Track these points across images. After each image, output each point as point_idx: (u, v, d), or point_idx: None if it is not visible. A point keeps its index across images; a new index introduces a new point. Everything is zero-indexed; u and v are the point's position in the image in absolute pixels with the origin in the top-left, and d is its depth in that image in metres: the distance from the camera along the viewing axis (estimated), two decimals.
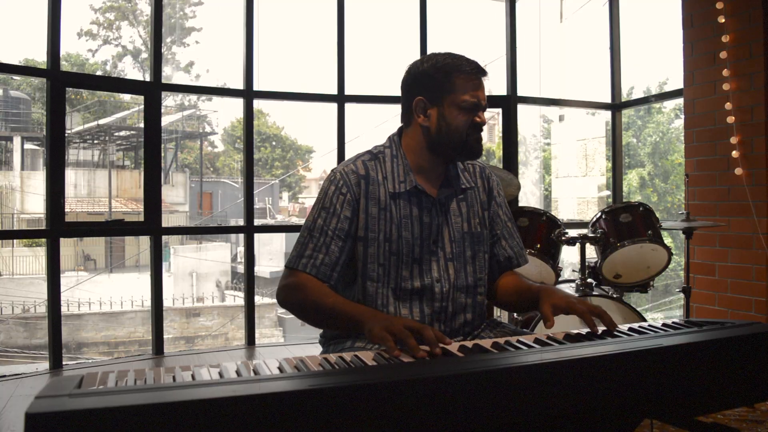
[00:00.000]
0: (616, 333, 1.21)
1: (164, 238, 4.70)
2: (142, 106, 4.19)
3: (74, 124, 16.93)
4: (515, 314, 2.93)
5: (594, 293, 2.76)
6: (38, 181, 15.14)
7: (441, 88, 1.42)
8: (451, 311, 1.48)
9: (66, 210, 3.70)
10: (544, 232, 2.93)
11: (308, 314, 1.40)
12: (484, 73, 1.45)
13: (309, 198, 23.87)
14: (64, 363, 3.69)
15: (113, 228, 4.33)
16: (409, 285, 1.45)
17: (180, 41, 21.18)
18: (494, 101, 4.62)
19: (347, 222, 1.43)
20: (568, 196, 9.93)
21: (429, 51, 4.57)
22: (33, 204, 15.30)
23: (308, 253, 1.42)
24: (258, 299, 11.41)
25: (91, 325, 12.49)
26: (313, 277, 1.40)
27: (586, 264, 2.81)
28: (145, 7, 20.36)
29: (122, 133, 17.67)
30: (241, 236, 4.65)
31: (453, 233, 1.49)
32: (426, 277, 1.45)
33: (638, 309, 2.69)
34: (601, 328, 1.24)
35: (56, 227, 3.64)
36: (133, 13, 20.73)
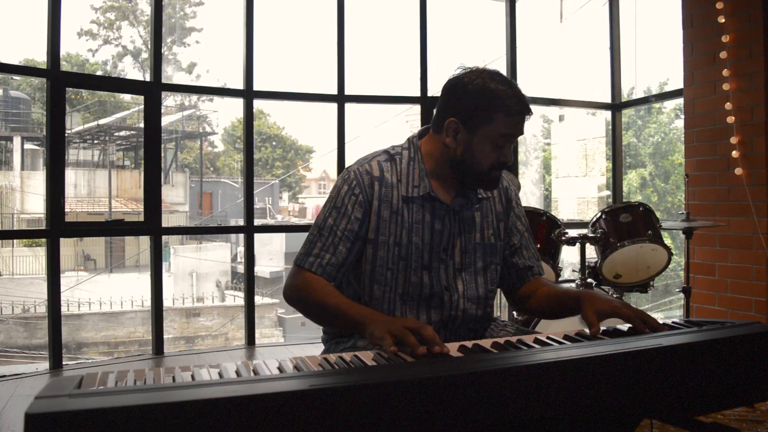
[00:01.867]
0: (617, 332, 1.21)
1: (164, 238, 4.70)
2: (142, 106, 4.19)
3: (74, 124, 16.93)
4: (515, 314, 2.93)
5: None
6: (38, 181, 15.15)
7: (480, 118, 1.36)
8: (459, 321, 1.47)
9: (66, 210, 3.70)
10: (544, 232, 2.94)
11: (312, 313, 1.40)
12: (529, 112, 1.38)
13: (309, 198, 23.90)
14: (64, 363, 3.69)
15: (113, 228, 4.33)
16: (418, 291, 1.44)
17: (180, 41, 21.20)
18: None
19: (357, 223, 1.41)
20: (568, 196, 9.94)
21: (429, 51, 4.57)
22: (33, 204, 15.30)
23: (316, 252, 1.41)
24: (258, 299, 11.42)
25: (91, 325, 12.50)
26: (319, 276, 1.40)
27: (586, 264, 2.81)
28: (145, 7, 20.39)
29: (122, 133, 17.69)
30: (241, 236, 4.65)
31: (465, 243, 1.47)
32: (435, 286, 1.44)
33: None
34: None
35: (56, 227, 3.64)
36: (134, 13, 20.74)
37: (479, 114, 1.36)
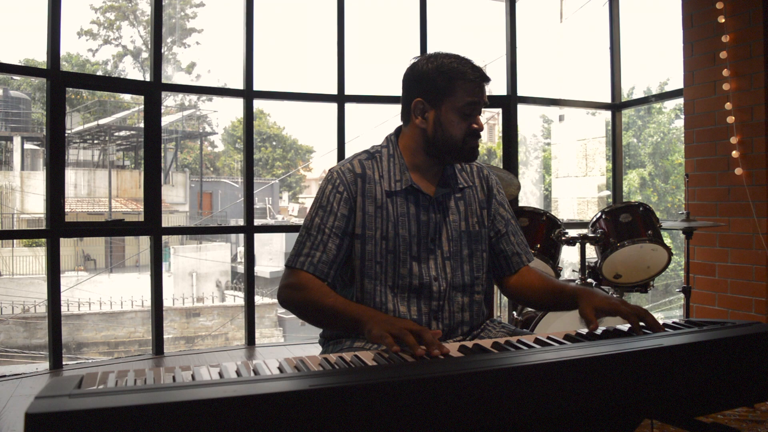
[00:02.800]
0: (617, 332, 1.21)
1: (164, 238, 4.70)
2: (142, 106, 4.19)
3: (74, 124, 16.93)
4: (515, 314, 2.93)
5: None
6: (38, 181, 15.15)
7: (442, 91, 1.41)
8: (448, 310, 1.49)
9: (66, 210, 3.70)
10: (544, 232, 2.94)
11: (308, 314, 1.40)
12: (487, 79, 1.44)
13: (309, 198, 23.88)
14: (64, 363, 3.69)
15: (113, 228, 4.33)
16: (407, 283, 1.45)
17: (181, 41, 21.20)
18: (494, 101, 4.62)
19: (344, 220, 1.44)
20: (568, 196, 9.94)
21: (429, 51, 4.58)
22: (33, 204, 15.30)
23: (306, 251, 1.43)
24: (258, 299, 11.40)
25: (91, 325, 12.49)
26: (312, 275, 1.41)
27: (586, 264, 2.81)
28: (145, 7, 20.40)
29: (122, 133, 17.68)
30: (241, 236, 4.65)
31: (450, 232, 1.49)
32: (424, 276, 1.46)
33: None
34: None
35: (56, 227, 3.64)
36: (134, 13, 20.74)
37: (440, 87, 1.42)
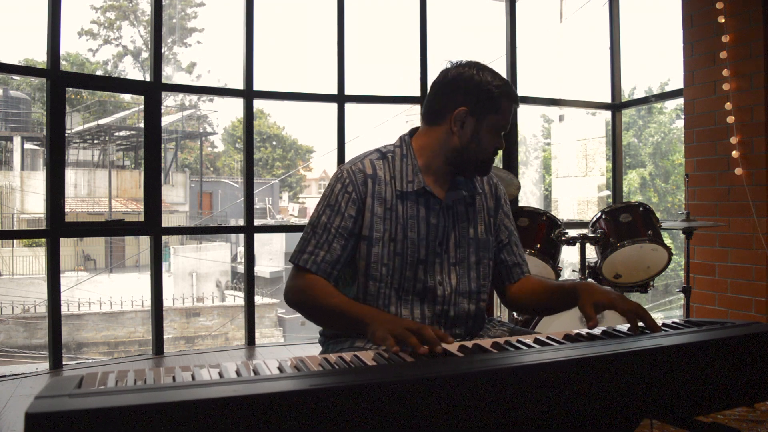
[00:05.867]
0: (616, 332, 1.21)
1: (164, 238, 4.71)
2: (142, 106, 4.19)
3: (74, 124, 16.94)
4: (515, 314, 2.93)
5: None
6: (38, 181, 15.15)
7: (489, 106, 1.42)
8: (452, 315, 1.48)
9: (66, 210, 3.70)
10: (544, 232, 2.94)
11: (313, 314, 1.41)
12: (518, 104, 1.51)
13: (309, 198, 23.91)
14: (64, 363, 3.69)
15: (113, 228, 4.34)
16: (412, 286, 1.45)
17: (181, 41, 21.21)
18: None
19: (351, 221, 1.43)
20: (568, 196, 9.94)
21: (429, 51, 4.57)
22: (33, 204, 15.30)
23: (310, 249, 1.42)
24: (258, 299, 11.40)
25: (91, 325, 12.50)
26: (316, 275, 1.41)
27: (586, 264, 2.81)
28: (146, 7, 20.42)
29: (122, 133, 17.69)
30: (241, 236, 4.65)
31: (459, 238, 1.49)
32: (429, 280, 1.45)
33: None
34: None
35: (56, 227, 3.64)
36: (134, 13, 20.75)
37: (490, 102, 1.42)
